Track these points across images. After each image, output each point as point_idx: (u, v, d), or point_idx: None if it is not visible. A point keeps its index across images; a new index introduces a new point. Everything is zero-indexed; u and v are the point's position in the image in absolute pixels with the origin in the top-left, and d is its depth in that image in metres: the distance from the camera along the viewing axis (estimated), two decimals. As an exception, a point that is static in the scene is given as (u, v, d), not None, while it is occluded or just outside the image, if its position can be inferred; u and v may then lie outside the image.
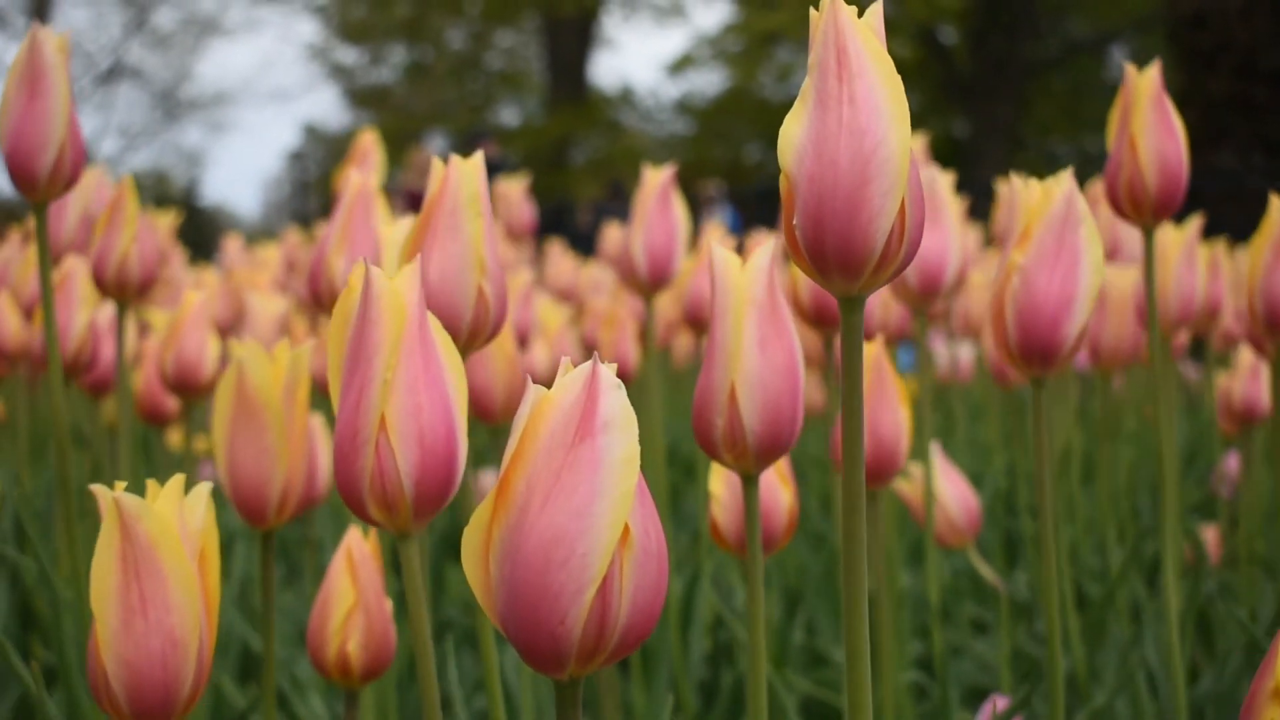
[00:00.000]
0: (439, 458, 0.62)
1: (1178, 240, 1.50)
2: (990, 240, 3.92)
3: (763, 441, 0.76)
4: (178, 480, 0.67)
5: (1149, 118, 1.06)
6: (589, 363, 0.48)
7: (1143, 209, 1.08)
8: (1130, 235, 1.88)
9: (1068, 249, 0.82)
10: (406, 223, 0.97)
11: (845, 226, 0.55)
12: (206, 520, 0.68)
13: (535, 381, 0.49)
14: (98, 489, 0.65)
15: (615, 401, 0.48)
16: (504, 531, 0.48)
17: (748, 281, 0.76)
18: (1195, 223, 1.53)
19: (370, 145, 2.05)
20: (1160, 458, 1.12)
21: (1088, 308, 0.82)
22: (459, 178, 0.84)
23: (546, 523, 0.47)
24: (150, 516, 0.65)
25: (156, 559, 0.65)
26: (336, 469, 0.62)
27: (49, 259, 1.08)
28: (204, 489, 0.68)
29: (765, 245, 0.77)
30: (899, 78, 0.56)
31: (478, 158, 0.85)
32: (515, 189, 3.02)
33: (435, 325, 0.64)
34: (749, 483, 0.80)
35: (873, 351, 1.09)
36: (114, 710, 0.66)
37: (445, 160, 0.85)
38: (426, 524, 0.63)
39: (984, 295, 2.62)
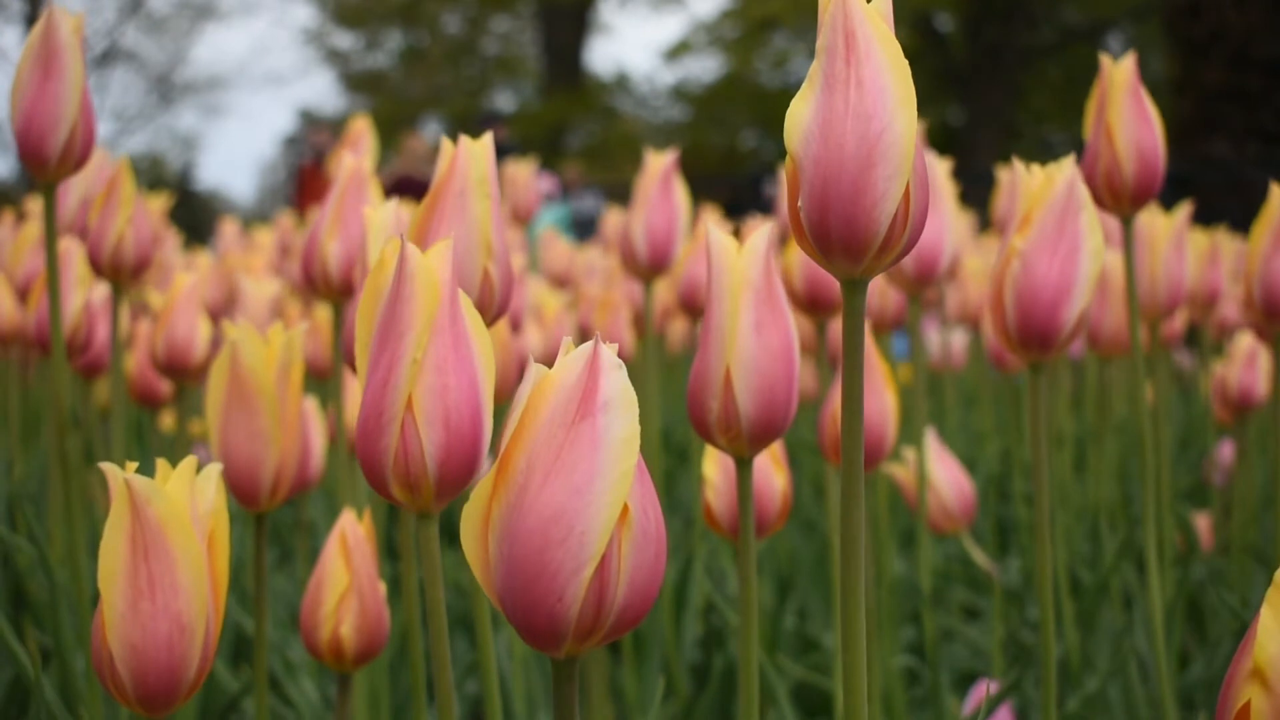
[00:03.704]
0: (464, 439, 0.62)
1: (1167, 227, 1.50)
2: (985, 226, 3.91)
3: (757, 425, 0.76)
4: (190, 462, 0.66)
5: (1125, 108, 1.07)
6: (590, 342, 0.49)
7: (1120, 198, 1.08)
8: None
9: (1068, 235, 0.82)
10: (391, 206, 0.96)
11: (850, 209, 0.56)
12: (216, 503, 0.68)
13: (527, 368, 0.49)
14: (108, 468, 0.64)
15: (616, 381, 0.48)
16: (503, 509, 0.49)
17: (744, 265, 0.76)
18: (1185, 210, 1.53)
19: (363, 131, 2.05)
20: (1142, 444, 1.12)
21: (1087, 293, 0.82)
22: (468, 159, 0.84)
23: (546, 500, 0.48)
24: (161, 498, 0.64)
25: (166, 541, 0.64)
26: (360, 446, 0.62)
27: (56, 240, 1.07)
28: (214, 470, 0.68)
29: (762, 228, 0.77)
30: (906, 63, 0.56)
31: (487, 139, 0.85)
32: (523, 172, 3.01)
33: (467, 305, 0.63)
34: (743, 466, 0.79)
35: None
36: (118, 693, 0.66)
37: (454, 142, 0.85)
38: (447, 504, 0.63)
39: (978, 282, 2.62)
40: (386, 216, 0.93)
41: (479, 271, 0.83)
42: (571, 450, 0.48)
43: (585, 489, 0.48)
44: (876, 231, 0.56)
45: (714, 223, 1.15)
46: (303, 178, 7.23)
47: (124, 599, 0.65)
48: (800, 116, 0.56)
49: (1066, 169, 0.83)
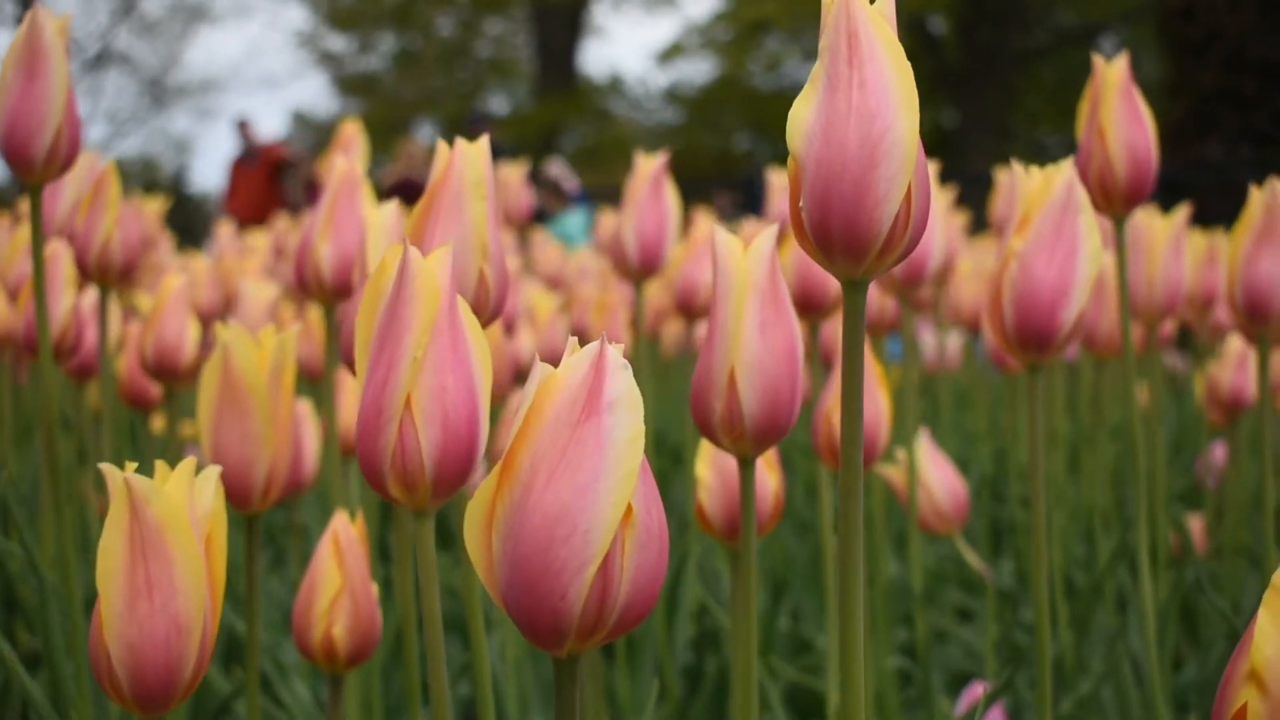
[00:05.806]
0: (461, 439, 0.63)
1: (1165, 229, 1.50)
2: (978, 228, 3.92)
3: (761, 425, 0.76)
4: (189, 463, 0.67)
5: (1117, 108, 1.06)
6: (596, 342, 0.49)
7: (1113, 199, 1.07)
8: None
9: (1066, 236, 0.82)
10: (392, 207, 0.96)
11: (852, 209, 0.55)
12: (215, 505, 0.68)
13: (521, 369, 0.49)
14: (107, 469, 0.65)
15: (622, 381, 0.49)
16: (507, 507, 0.49)
17: (749, 265, 0.76)
18: (1183, 212, 1.53)
19: (354, 134, 2.05)
20: (1135, 444, 1.12)
21: (1085, 295, 0.82)
22: (464, 161, 0.84)
23: (550, 499, 0.48)
24: (160, 498, 0.65)
25: (164, 542, 0.65)
26: (359, 444, 0.63)
27: (42, 242, 1.07)
28: (213, 472, 0.68)
29: (768, 230, 0.77)
30: (908, 64, 0.56)
31: (483, 141, 0.85)
32: (514, 175, 3.01)
33: (464, 307, 0.64)
34: (745, 466, 0.80)
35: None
36: (115, 692, 0.66)
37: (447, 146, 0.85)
38: (443, 503, 0.64)
39: (972, 284, 2.62)
40: (387, 218, 0.94)
41: (474, 273, 0.83)
42: (576, 449, 0.48)
43: (590, 488, 0.48)
44: (878, 232, 0.56)
45: (712, 225, 1.15)
46: (232, 173, 7.30)
47: (122, 599, 0.65)
48: (802, 116, 0.56)
49: (1065, 171, 0.83)
